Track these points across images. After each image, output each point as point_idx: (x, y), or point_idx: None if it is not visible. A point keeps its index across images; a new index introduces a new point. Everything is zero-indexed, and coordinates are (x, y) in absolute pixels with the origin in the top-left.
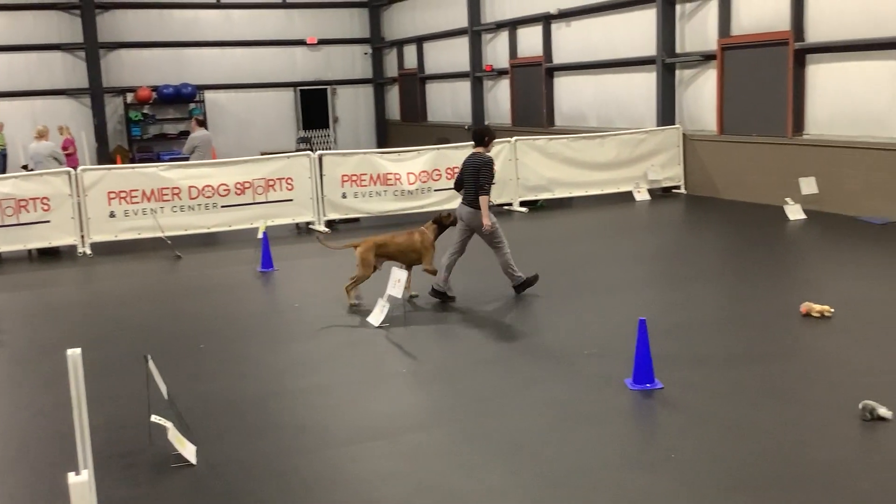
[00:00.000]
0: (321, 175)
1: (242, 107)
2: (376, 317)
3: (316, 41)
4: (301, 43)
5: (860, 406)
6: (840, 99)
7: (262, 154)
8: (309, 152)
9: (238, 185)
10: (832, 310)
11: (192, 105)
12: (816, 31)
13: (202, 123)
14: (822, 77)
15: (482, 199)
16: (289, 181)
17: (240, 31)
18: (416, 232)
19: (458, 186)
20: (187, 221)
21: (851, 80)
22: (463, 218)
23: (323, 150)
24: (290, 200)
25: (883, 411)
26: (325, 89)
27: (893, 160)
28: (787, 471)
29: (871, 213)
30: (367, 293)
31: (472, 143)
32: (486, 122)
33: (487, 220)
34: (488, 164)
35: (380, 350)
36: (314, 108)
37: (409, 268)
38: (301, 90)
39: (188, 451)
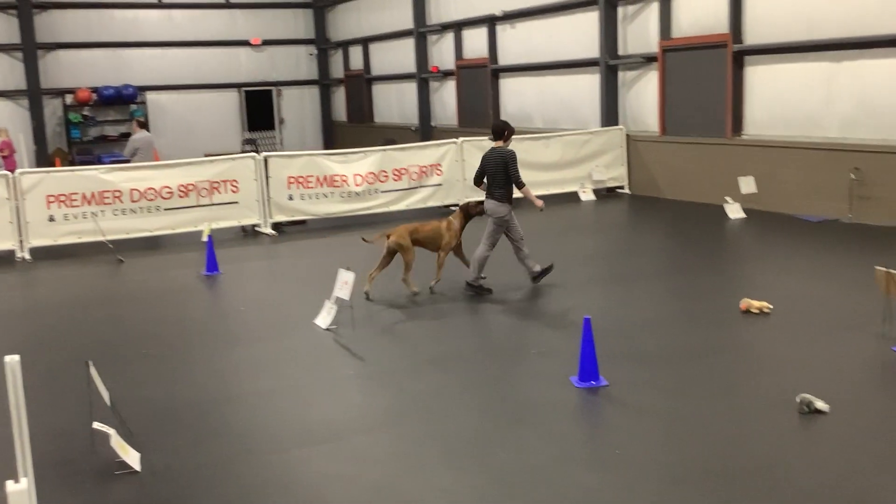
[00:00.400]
0: (267, 177)
1: (185, 108)
2: (323, 319)
3: (260, 42)
4: (245, 43)
5: (798, 399)
6: (777, 100)
7: (207, 156)
8: (254, 154)
9: (181, 188)
10: (771, 306)
11: (133, 106)
12: (754, 34)
13: (143, 125)
14: (760, 78)
15: (525, 190)
16: (234, 183)
17: (182, 31)
18: (445, 221)
19: (478, 181)
20: (129, 225)
21: (787, 81)
22: (488, 211)
23: (268, 151)
24: (236, 203)
25: (820, 404)
26: (271, 90)
27: (828, 159)
28: (729, 464)
29: (808, 212)
30: (320, 297)
31: (491, 137)
32: (433, 124)
33: (540, 201)
34: (514, 157)
35: (327, 353)
36: (259, 110)
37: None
38: (246, 91)
39: (132, 457)
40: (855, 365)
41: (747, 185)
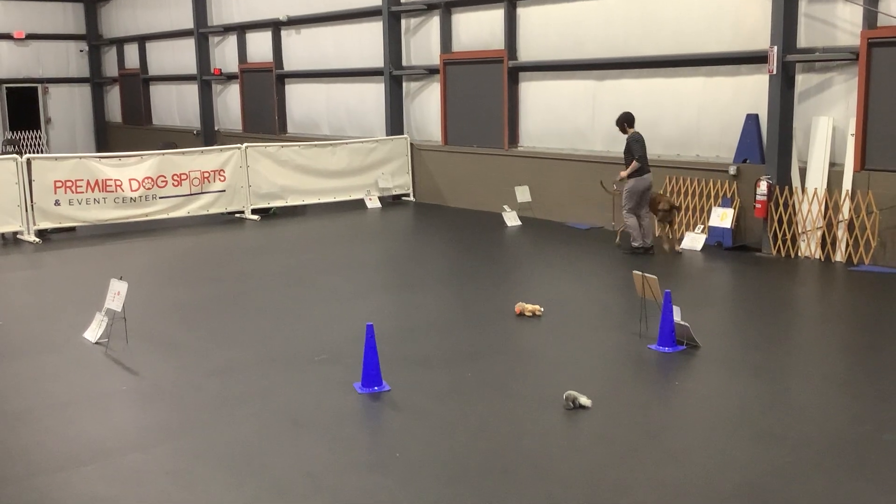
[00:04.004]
0: (30, 180)
1: None
2: (93, 332)
3: (24, 35)
4: (7, 37)
5: (564, 396)
6: (548, 114)
7: None
8: (16, 156)
9: None
10: (542, 309)
11: None
12: (527, 52)
13: None
14: (533, 93)
15: (632, 166)
16: None
17: None
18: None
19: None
20: None
21: (558, 96)
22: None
23: (33, 153)
24: None
25: (583, 400)
26: (36, 87)
27: (594, 171)
28: (501, 460)
29: (577, 220)
30: (89, 309)
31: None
32: (217, 128)
33: (622, 174)
34: (632, 140)
35: (97, 368)
36: (23, 108)
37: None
38: (7, 88)
39: None
40: (615, 362)
41: (522, 194)
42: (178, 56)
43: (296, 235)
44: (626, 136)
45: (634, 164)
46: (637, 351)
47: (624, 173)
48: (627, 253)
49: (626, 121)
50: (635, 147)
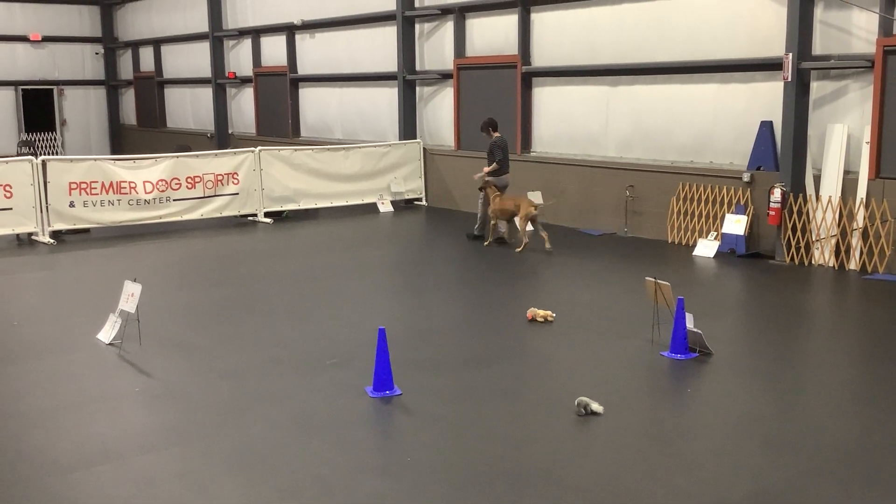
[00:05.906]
0: (45, 182)
1: None
2: (107, 333)
3: (40, 38)
4: (24, 39)
5: (576, 402)
6: (562, 119)
7: None
8: (31, 157)
9: None
10: (554, 314)
11: None
12: (541, 57)
13: None
14: (547, 98)
15: (491, 168)
16: (7, 188)
17: None
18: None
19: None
20: None
21: (571, 102)
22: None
23: (49, 154)
24: (10, 209)
25: (595, 406)
26: (52, 89)
27: (606, 177)
28: (512, 466)
29: (590, 226)
30: (103, 310)
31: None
32: (231, 131)
33: (477, 175)
34: (493, 145)
35: (110, 369)
36: (39, 110)
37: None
38: (23, 89)
39: None
40: (628, 369)
41: (535, 199)
42: (193, 59)
43: (308, 239)
44: (490, 139)
45: (494, 165)
46: (649, 358)
47: (487, 169)
48: (470, 238)
49: (489, 125)
50: (497, 152)
